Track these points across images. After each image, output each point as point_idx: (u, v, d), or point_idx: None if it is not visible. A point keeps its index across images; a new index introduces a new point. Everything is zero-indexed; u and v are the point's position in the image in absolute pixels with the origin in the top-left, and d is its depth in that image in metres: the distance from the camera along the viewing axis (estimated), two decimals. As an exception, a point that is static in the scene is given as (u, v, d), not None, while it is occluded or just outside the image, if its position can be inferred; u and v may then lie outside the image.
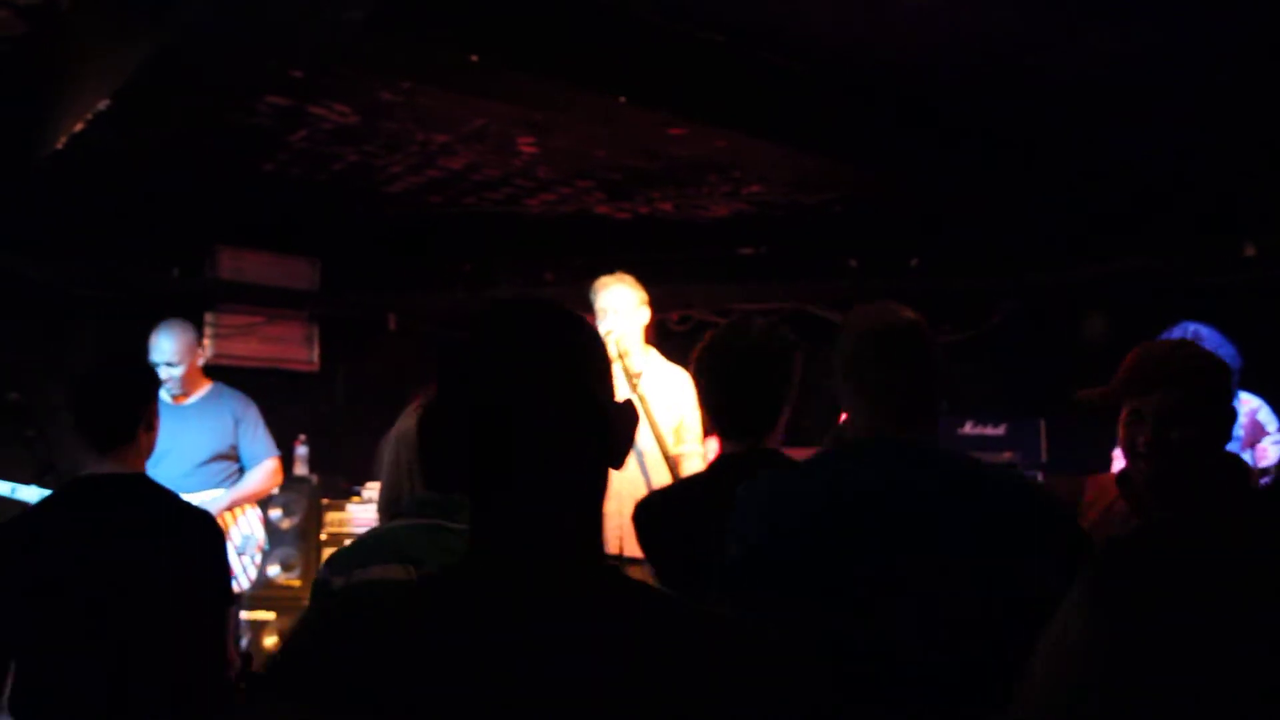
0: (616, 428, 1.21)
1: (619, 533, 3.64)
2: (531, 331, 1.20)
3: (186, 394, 4.88)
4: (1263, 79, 4.49)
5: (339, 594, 2.10)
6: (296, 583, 5.67)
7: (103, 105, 4.35)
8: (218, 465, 4.91)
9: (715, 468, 2.63)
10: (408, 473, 2.79)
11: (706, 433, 4.22)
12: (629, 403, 1.23)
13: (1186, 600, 0.56)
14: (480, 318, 1.22)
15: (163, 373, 4.69)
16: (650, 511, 2.65)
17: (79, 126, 4.61)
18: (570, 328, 1.22)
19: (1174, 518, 0.62)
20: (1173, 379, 2.30)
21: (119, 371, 2.89)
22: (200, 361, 5.01)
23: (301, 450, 6.26)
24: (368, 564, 2.23)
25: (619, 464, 1.22)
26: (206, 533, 2.80)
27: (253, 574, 5.03)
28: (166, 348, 4.78)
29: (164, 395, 4.74)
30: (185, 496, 4.45)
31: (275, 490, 5.84)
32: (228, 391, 5.02)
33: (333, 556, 2.39)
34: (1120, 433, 2.41)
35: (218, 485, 4.87)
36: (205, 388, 5.00)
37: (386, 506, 2.88)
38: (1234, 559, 0.57)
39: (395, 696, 1.05)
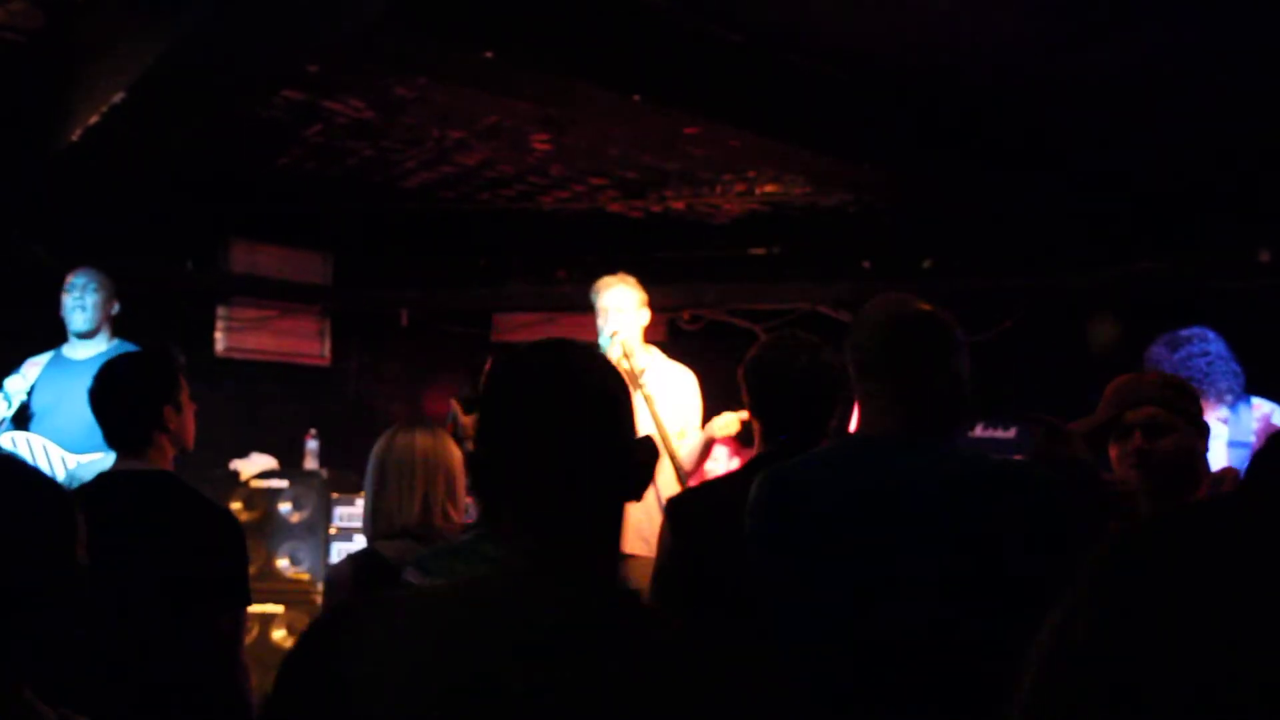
0: (639, 463, 1.30)
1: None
2: (562, 375, 1.30)
3: (92, 334, 4.69)
4: (1278, 82, 4.47)
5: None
6: (305, 576, 5.68)
7: (118, 98, 4.37)
8: None
9: (749, 465, 2.64)
10: (396, 493, 2.82)
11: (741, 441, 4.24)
12: (649, 439, 1.32)
13: (1194, 593, 0.56)
14: (513, 361, 1.34)
15: (85, 297, 4.62)
16: (684, 507, 2.68)
17: (94, 119, 4.63)
18: (599, 370, 1.33)
19: (1177, 511, 0.62)
20: (1152, 399, 2.58)
21: (138, 370, 2.86)
22: (111, 312, 4.82)
23: (312, 444, 6.27)
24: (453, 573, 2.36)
25: (639, 497, 1.31)
26: (226, 532, 2.77)
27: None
28: (95, 276, 4.66)
29: (68, 350, 4.67)
30: (76, 457, 4.44)
31: (285, 484, 5.85)
32: (128, 348, 4.69)
33: (421, 558, 2.50)
34: (1111, 454, 2.66)
35: (101, 447, 4.67)
36: (108, 344, 4.75)
37: (374, 524, 2.89)
38: (1243, 548, 0.57)
39: (406, 696, 1.12)
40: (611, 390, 1.31)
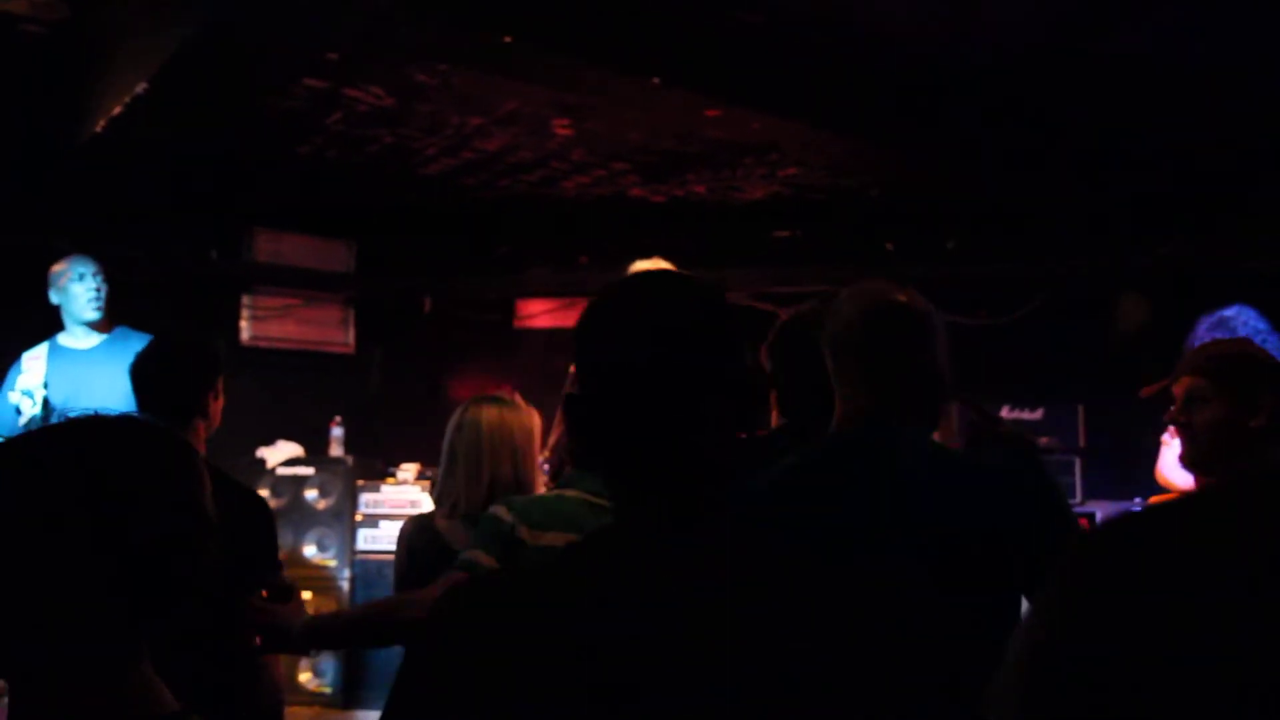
0: (758, 395, 1.25)
1: None
2: (684, 294, 1.19)
3: (98, 328, 4.67)
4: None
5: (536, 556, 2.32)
6: (331, 562, 5.72)
7: (141, 89, 4.39)
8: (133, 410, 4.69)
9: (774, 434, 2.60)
10: (464, 476, 2.84)
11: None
12: (764, 373, 1.25)
13: (1166, 590, 0.54)
14: (616, 293, 1.22)
15: (99, 284, 4.61)
16: None
17: (118, 110, 4.66)
18: (721, 298, 1.22)
19: (1156, 505, 0.61)
20: (1198, 368, 2.57)
21: (188, 351, 2.87)
22: None
23: (337, 432, 6.31)
24: (545, 528, 2.42)
25: (755, 430, 1.23)
26: (257, 515, 2.80)
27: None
28: (94, 262, 4.63)
29: (66, 339, 4.65)
30: None
31: (311, 471, 5.89)
32: (134, 334, 4.70)
33: (511, 503, 2.53)
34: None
35: None
36: (109, 331, 4.74)
37: (438, 500, 2.90)
38: (1224, 543, 0.55)
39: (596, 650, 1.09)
40: (732, 312, 1.20)
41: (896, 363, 1.88)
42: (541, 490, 2.90)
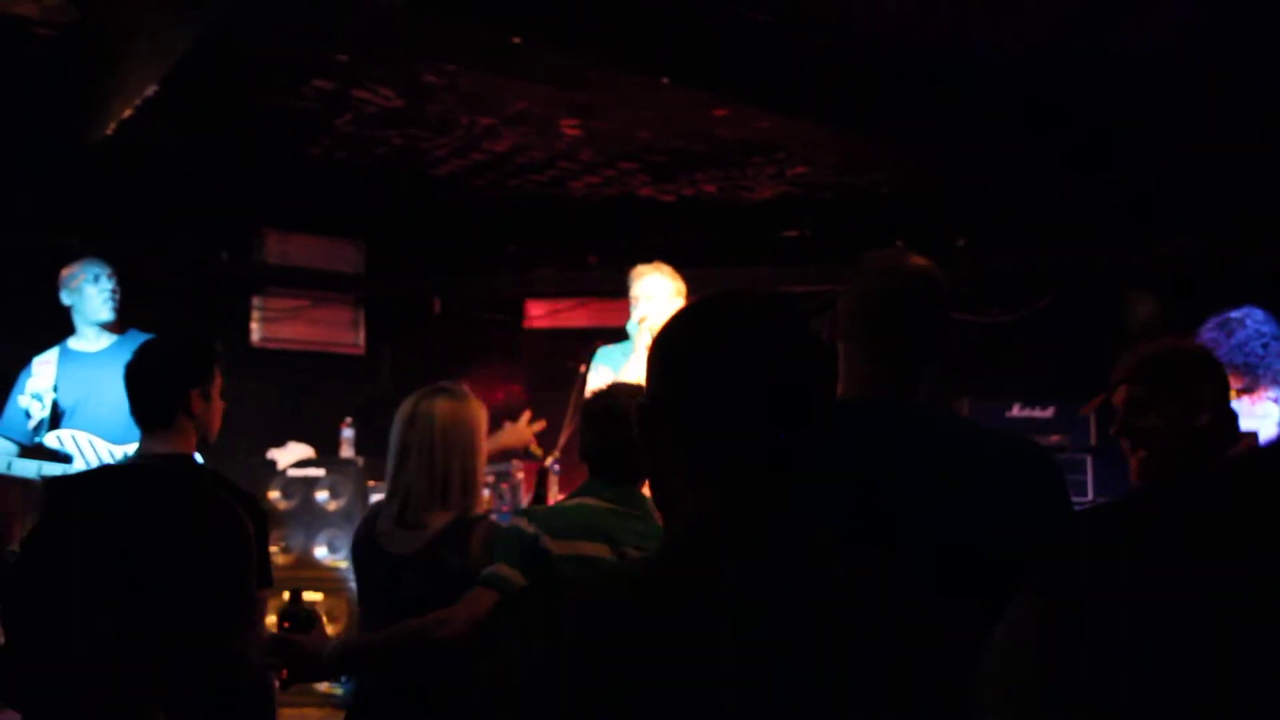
0: (823, 415, 1.27)
1: None
2: (773, 322, 1.25)
3: (111, 329, 4.64)
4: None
5: (592, 572, 2.23)
6: (342, 564, 5.72)
7: (151, 91, 4.40)
8: None
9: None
10: (443, 454, 2.80)
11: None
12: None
13: (1134, 590, 0.54)
14: (714, 312, 1.28)
15: (114, 286, 4.60)
16: None
17: (128, 112, 4.67)
18: (799, 319, 1.27)
19: (1114, 504, 0.60)
20: (1132, 374, 2.52)
21: (171, 349, 2.86)
22: None
23: (347, 433, 6.31)
24: (572, 537, 2.42)
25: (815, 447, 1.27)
26: (248, 515, 2.77)
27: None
28: (106, 264, 4.61)
29: (77, 343, 4.63)
30: (121, 448, 4.46)
31: (322, 472, 5.90)
32: (144, 337, 4.74)
33: (532, 514, 2.53)
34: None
35: None
36: (120, 333, 4.70)
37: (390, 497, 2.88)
38: (1188, 541, 0.55)
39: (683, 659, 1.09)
40: (811, 340, 1.26)
41: (912, 329, 1.86)
42: (523, 491, 2.88)
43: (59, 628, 2.50)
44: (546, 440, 4.33)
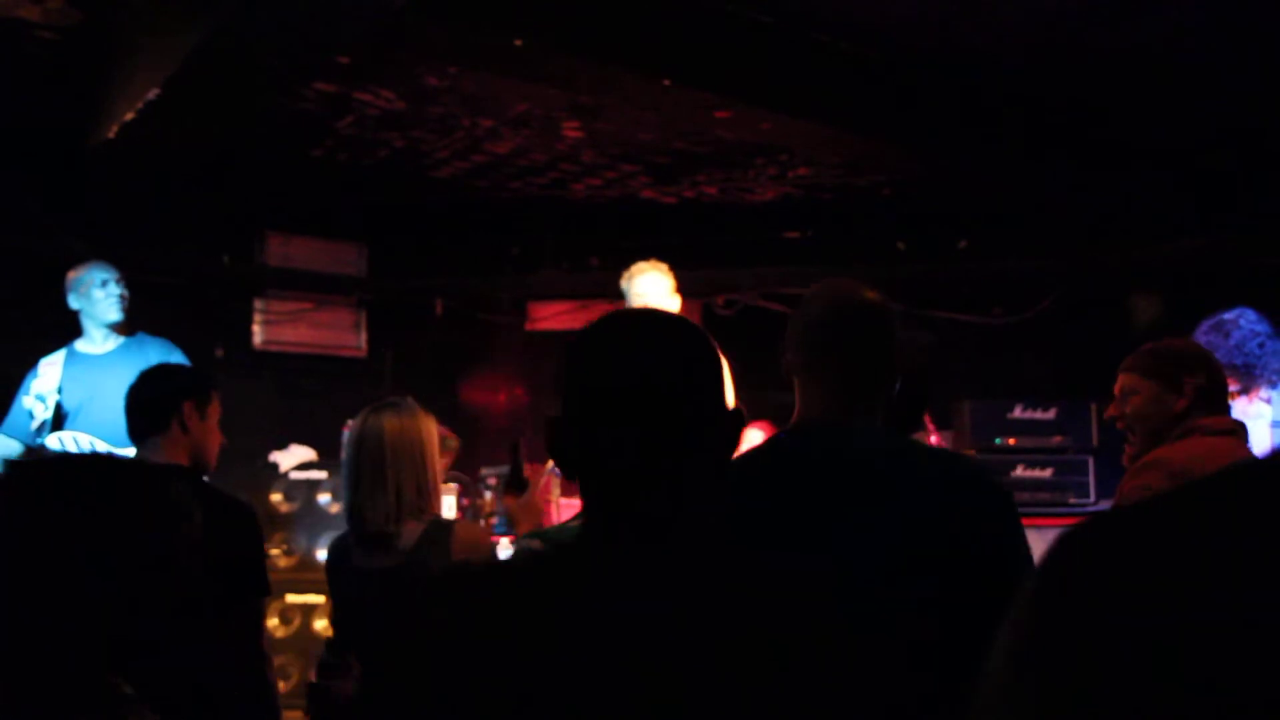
0: (729, 431, 1.28)
1: None
2: (660, 335, 1.27)
3: (118, 330, 4.65)
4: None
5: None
6: (346, 566, 5.72)
7: (153, 94, 4.40)
8: None
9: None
10: (369, 492, 2.78)
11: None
12: (740, 410, 1.30)
13: (1137, 600, 0.53)
14: (605, 325, 1.30)
15: (119, 289, 4.60)
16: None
17: (130, 115, 4.67)
18: (696, 336, 1.29)
19: (1118, 510, 0.60)
20: (1128, 366, 2.85)
21: (166, 366, 2.89)
22: None
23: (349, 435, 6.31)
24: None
25: (723, 464, 1.29)
26: (240, 524, 2.78)
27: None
28: (111, 267, 4.62)
29: (84, 345, 4.63)
30: (117, 450, 4.46)
31: (324, 475, 5.89)
32: (150, 340, 4.72)
33: (543, 534, 2.60)
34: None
35: None
36: (127, 335, 4.71)
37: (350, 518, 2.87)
38: (1188, 549, 0.54)
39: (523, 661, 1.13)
40: (695, 352, 1.27)
41: (860, 358, 1.91)
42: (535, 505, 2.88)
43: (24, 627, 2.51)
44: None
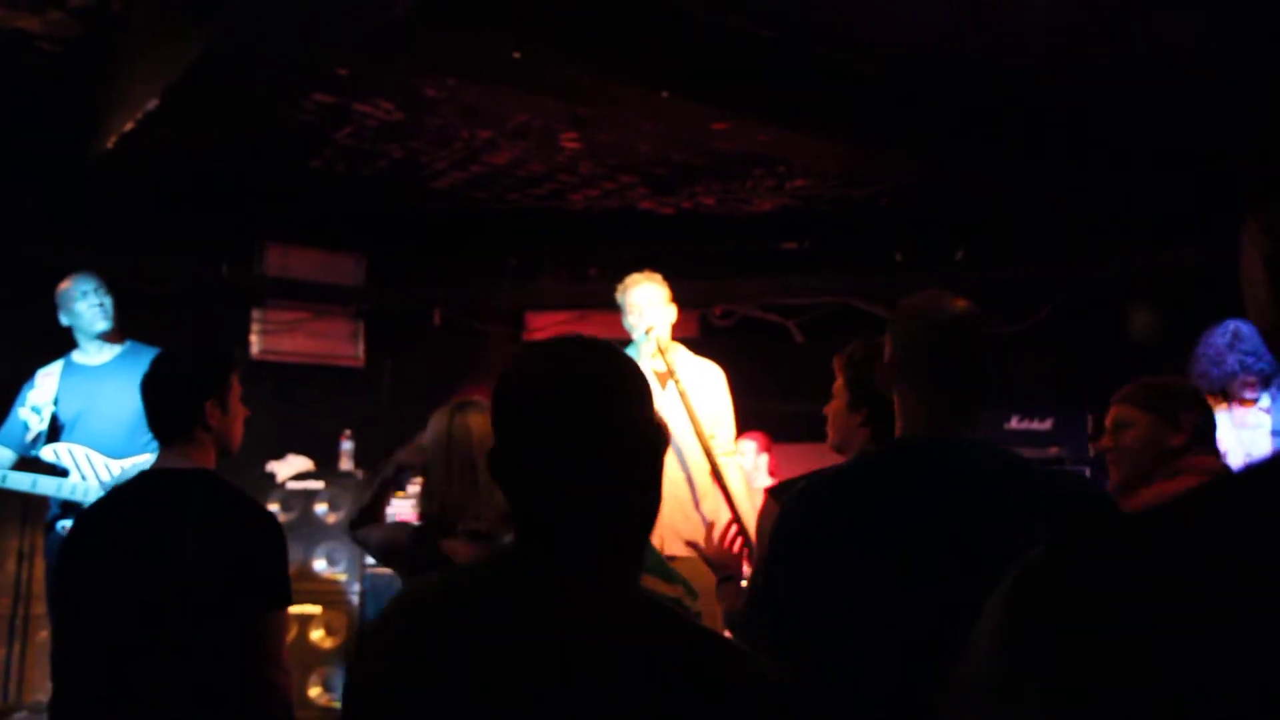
0: (644, 452, 1.30)
1: (659, 530, 3.62)
2: (556, 369, 1.30)
3: (109, 336, 4.64)
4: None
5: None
6: (342, 577, 5.72)
7: (152, 105, 4.41)
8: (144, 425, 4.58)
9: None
10: (459, 475, 2.79)
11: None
12: (660, 425, 1.32)
13: (1101, 621, 0.54)
14: (517, 354, 1.36)
15: (103, 299, 4.58)
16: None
17: (129, 126, 4.68)
18: (597, 359, 1.31)
19: (1089, 532, 0.61)
20: (1124, 398, 2.84)
21: (185, 362, 2.82)
22: None
23: (347, 445, 6.31)
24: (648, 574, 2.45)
25: (650, 485, 1.31)
26: (266, 532, 2.73)
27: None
28: (98, 277, 4.63)
29: (80, 357, 4.64)
30: (119, 462, 4.45)
31: (321, 485, 5.89)
32: (145, 349, 4.69)
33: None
34: None
35: (144, 449, 4.51)
36: (122, 345, 4.73)
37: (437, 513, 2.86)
38: (1155, 571, 0.55)
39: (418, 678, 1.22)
40: (604, 376, 1.29)
41: (962, 371, 1.94)
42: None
43: (95, 633, 2.52)
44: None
